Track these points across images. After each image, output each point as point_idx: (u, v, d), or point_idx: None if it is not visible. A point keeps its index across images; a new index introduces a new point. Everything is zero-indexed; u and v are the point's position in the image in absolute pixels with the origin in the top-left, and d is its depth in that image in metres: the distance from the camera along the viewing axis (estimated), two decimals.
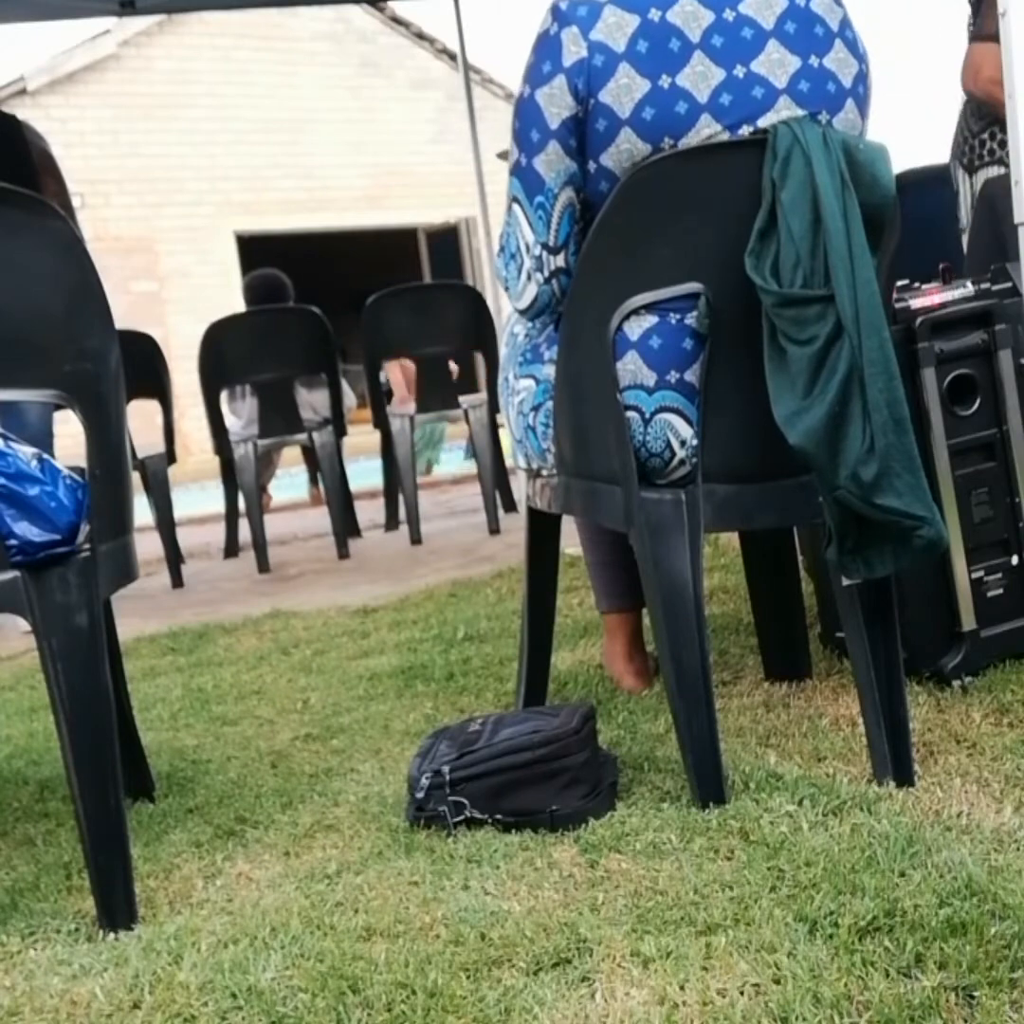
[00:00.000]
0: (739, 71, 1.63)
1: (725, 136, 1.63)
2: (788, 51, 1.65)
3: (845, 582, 1.62)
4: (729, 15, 1.64)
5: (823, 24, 1.68)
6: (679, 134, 1.62)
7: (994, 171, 2.74)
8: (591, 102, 1.63)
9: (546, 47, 1.66)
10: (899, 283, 1.95)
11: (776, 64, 1.64)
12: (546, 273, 1.75)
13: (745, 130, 1.64)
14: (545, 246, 1.73)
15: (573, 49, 1.63)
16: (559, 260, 1.74)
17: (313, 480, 6.71)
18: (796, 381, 1.53)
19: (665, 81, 1.61)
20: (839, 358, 1.50)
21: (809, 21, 1.67)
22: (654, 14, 1.62)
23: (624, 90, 1.62)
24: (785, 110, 1.64)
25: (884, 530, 1.52)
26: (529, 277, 1.76)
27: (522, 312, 1.84)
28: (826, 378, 1.51)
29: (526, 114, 1.69)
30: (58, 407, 1.60)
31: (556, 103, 1.65)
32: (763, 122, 1.63)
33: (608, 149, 1.64)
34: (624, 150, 1.63)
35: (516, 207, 1.75)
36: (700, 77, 1.62)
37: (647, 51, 1.62)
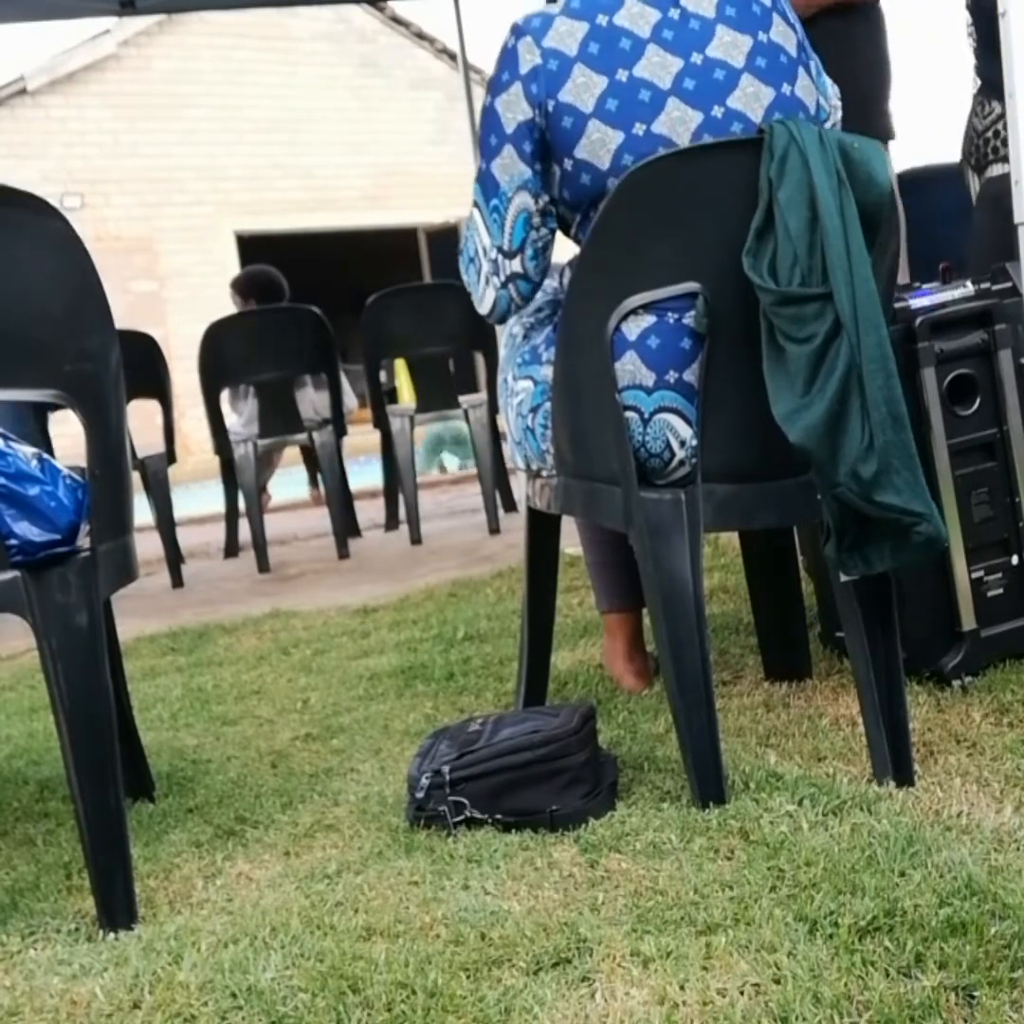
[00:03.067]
0: (696, 58, 1.69)
1: (697, 117, 1.67)
2: (737, 32, 1.71)
3: (843, 578, 1.62)
4: (674, 13, 1.71)
5: (758, 2, 1.74)
6: (649, 119, 1.66)
7: (999, 169, 2.71)
8: (551, 104, 1.68)
9: (505, 59, 1.74)
10: (899, 283, 1.95)
11: (730, 46, 1.70)
12: (502, 278, 1.79)
13: (717, 111, 1.67)
14: (500, 250, 1.77)
15: (528, 57, 1.70)
16: (515, 265, 1.78)
17: (313, 481, 6.71)
18: (795, 379, 1.53)
19: (622, 75, 1.67)
20: (838, 356, 1.50)
21: (745, 2, 1.73)
22: (602, 19, 1.69)
23: (583, 88, 1.67)
24: (749, 88, 1.68)
25: (883, 527, 1.52)
26: (487, 282, 1.81)
27: (486, 317, 1.87)
28: (825, 376, 1.51)
29: (486, 121, 1.76)
30: (57, 407, 1.60)
31: (511, 108, 1.72)
32: (731, 102, 1.68)
33: (580, 142, 1.68)
34: (596, 140, 1.67)
35: (475, 211, 1.80)
36: (658, 66, 1.67)
37: (599, 52, 1.68)
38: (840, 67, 2.13)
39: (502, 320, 1.88)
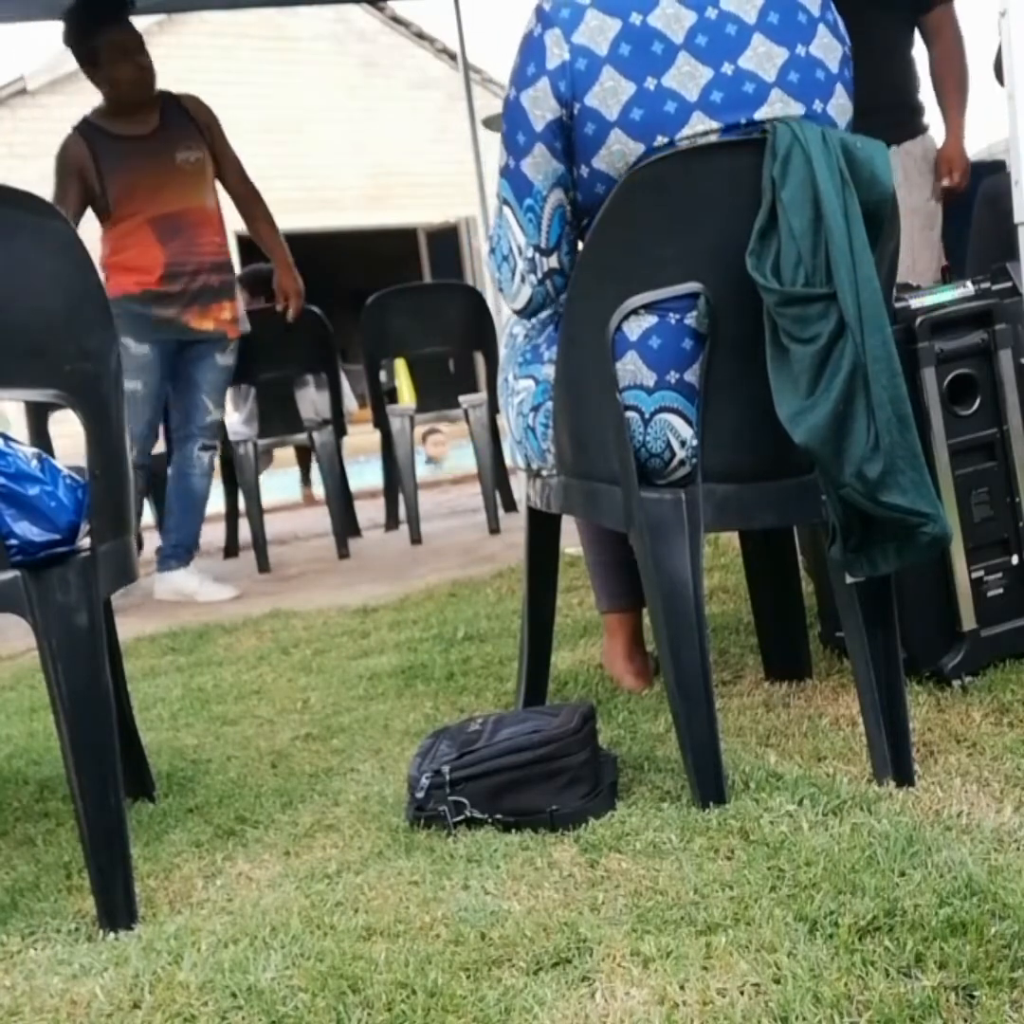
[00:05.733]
0: (727, 68, 1.64)
1: (720, 129, 1.63)
2: (774, 43, 1.65)
3: (849, 580, 1.62)
4: (711, 13, 1.64)
5: (805, 11, 1.68)
6: (672, 132, 1.62)
7: None
8: (576, 106, 1.64)
9: (530, 49, 1.67)
10: (899, 282, 1.95)
11: (763, 58, 1.65)
12: (539, 274, 1.76)
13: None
14: (537, 248, 1.74)
15: (556, 52, 1.64)
16: (552, 261, 1.75)
17: (305, 480, 6.70)
18: (799, 380, 1.53)
19: (650, 83, 1.62)
20: (842, 356, 1.50)
21: (791, 9, 1.67)
22: (636, 18, 1.63)
23: (609, 93, 1.62)
24: (778, 103, 1.64)
25: (888, 527, 1.52)
26: (522, 279, 1.78)
27: (518, 312, 1.85)
28: (829, 376, 1.51)
29: (512, 117, 1.70)
30: (57, 407, 1.60)
31: (540, 106, 1.66)
32: (758, 116, 1.64)
33: (599, 152, 1.65)
34: (616, 151, 1.64)
35: (506, 210, 1.76)
36: (687, 77, 1.62)
37: (630, 54, 1.62)
38: None
39: (534, 315, 1.86)
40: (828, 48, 1.69)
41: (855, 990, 1.12)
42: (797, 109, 1.65)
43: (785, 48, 1.65)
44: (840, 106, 1.70)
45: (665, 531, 1.64)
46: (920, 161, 3.38)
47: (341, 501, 4.82)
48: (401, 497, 4.91)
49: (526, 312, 1.84)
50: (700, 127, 1.62)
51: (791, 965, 1.16)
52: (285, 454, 6.38)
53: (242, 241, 13.14)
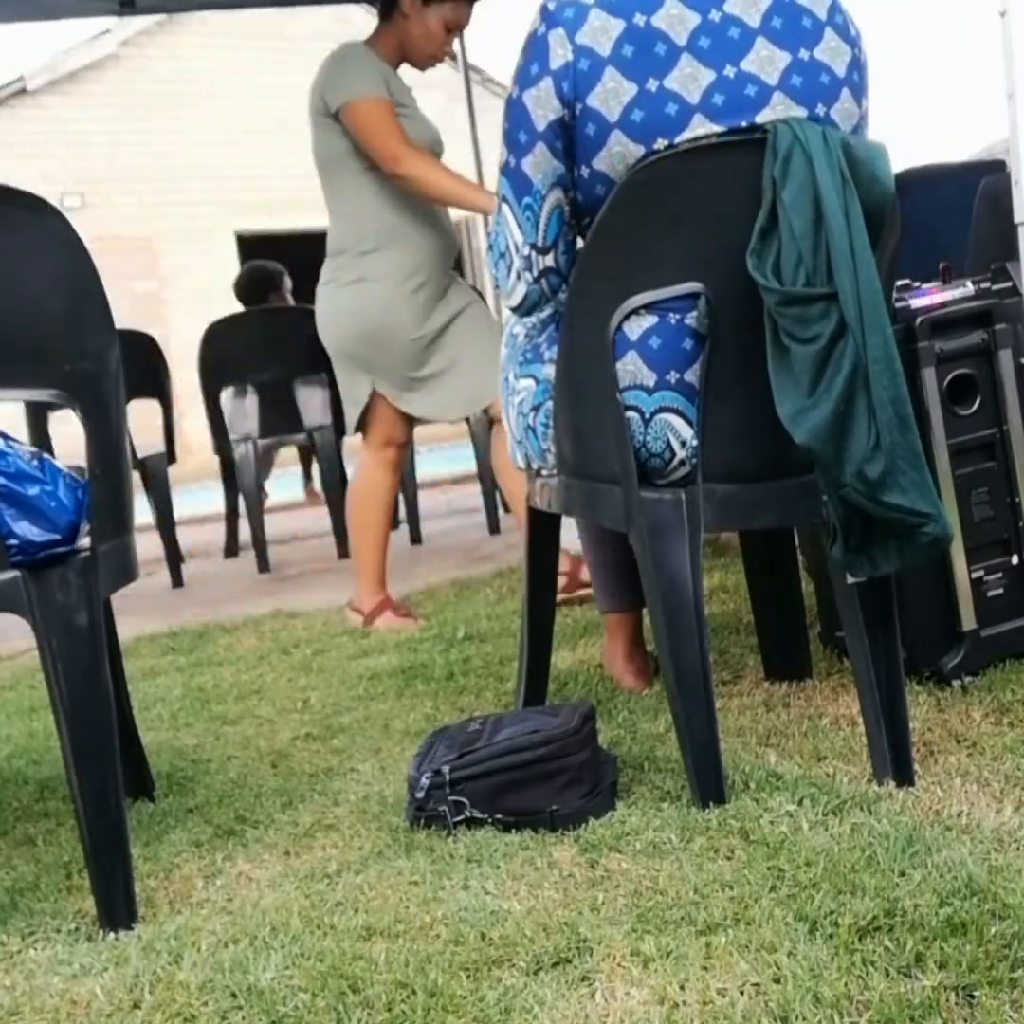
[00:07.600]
0: (729, 71, 1.63)
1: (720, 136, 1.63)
2: (777, 47, 1.64)
3: (850, 580, 1.62)
4: (715, 16, 1.64)
5: (810, 15, 1.67)
6: (671, 135, 1.62)
7: None
8: (578, 107, 1.64)
9: (534, 48, 1.67)
10: (899, 283, 1.95)
11: (766, 61, 1.63)
12: (535, 273, 1.77)
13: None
14: (534, 246, 1.75)
15: (559, 52, 1.64)
16: (548, 260, 1.75)
17: (307, 477, 6.70)
18: (800, 379, 1.53)
19: (652, 84, 1.61)
20: (843, 356, 1.50)
21: (796, 14, 1.66)
22: (639, 19, 1.63)
23: (611, 94, 1.62)
24: (780, 106, 1.63)
25: (889, 527, 1.52)
26: (518, 276, 1.78)
27: (514, 310, 1.86)
28: (830, 376, 1.51)
29: (514, 115, 1.70)
30: (57, 407, 1.61)
31: (542, 105, 1.66)
32: (759, 119, 1.63)
33: (600, 153, 1.64)
34: (616, 153, 1.64)
35: (505, 207, 1.76)
36: (689, 79, 1.62)
37: (632, 55, 1.62)
38: None
39: (530, 313, 1.86)
40: (835, 52, 1.67)
41: (855, 990, 1.12)
42: (799, 113, 1.64)
43: (788, 52, 1.65)
44: (845, 110, 1.68)
45: (665, 531, 1.64)
46: None
47: (341, 501, 4.81)
48: (401, 497, 4.90)
49: (521, 310, 1.84)
50: (701, 130, 1.62)
51: (791, 965, 1.16)
52: (283, 455, 6.37)
53: (242, 241, 13.14)
